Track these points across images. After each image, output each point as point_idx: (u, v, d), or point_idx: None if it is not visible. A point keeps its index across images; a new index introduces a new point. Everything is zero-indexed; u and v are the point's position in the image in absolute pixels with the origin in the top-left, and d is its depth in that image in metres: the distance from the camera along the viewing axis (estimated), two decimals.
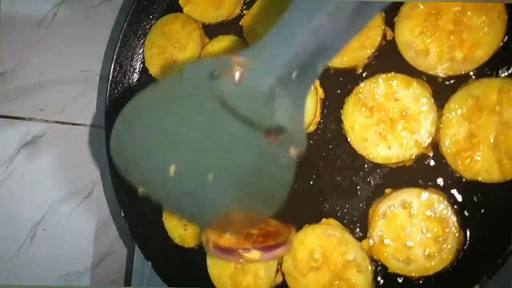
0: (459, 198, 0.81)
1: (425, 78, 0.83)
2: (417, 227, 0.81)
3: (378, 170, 0.86)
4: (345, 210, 0.88)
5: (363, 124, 0.85)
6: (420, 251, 0.80)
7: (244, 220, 0.69)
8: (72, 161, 1.21)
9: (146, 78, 1.11)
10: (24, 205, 1.13)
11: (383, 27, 0.86)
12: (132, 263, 1.12)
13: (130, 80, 1.12)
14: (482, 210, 0.79)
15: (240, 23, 1.00)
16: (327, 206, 0.89)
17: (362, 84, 0.86)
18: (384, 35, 0.86)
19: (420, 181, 0.83)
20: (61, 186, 1.19)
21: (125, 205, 1.05)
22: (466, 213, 0.80)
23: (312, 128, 0.91)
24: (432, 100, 0.82)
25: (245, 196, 0.67)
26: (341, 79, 0.89)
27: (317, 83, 0.90)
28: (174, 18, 1.07)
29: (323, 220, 0.88)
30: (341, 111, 0.88)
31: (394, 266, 0.82)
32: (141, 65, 1.12)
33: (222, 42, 1.01)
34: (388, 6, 0.59)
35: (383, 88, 0.84)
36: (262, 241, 0.77)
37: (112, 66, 1.09)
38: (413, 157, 0.83)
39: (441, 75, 0.82)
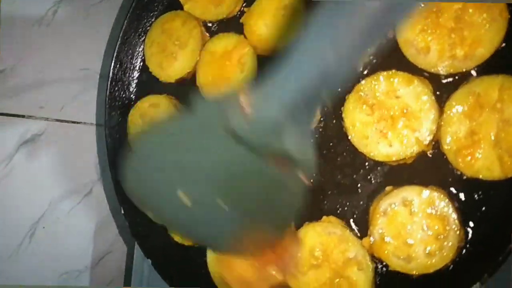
0: (460, 195, 0.81)
1: (426, 76, 0.83)
2: (418, 224, 0.81)
3: (378, 168, 0.86)
4: (345, 208, 0.88)
5: (364, 121, 0.85)
6: (421, 248, 0.80)
7: (256, 243, 0.71)
8: (72, 159, 1.21)
9: (146, 76, 1.11)
10: (24, 203, 1.13)
11: None
12: (132, 261, 1.12)
13: (130, 78, 1.12)
14: (483, 208, 0.79)
15: (241, 20, 1.00)
16: (328, 203, 0.89)
17: (363, 82, 0.86)
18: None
19: (421, 178, 0.83)
20: (60, 184, 1.18)
21: (125, 203, 1.05)
22: (467, 211, 0.80)
23: (313, 126, 0.90)
24: (433, 97, 0.82)
25: (257, 220, 0.69)
26: None
27: None
28: (175, 16, 1.07)
29: (324, 217, 0.88)
30: (342, 108, 0.88)
31: (395, 264, 0.82)
32: (142, 63, 1.13)
33: (223, 40, 1.01)
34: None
35: (384, 86, 0.84)
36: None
37: (112, 64, 1.09)
38: (414, 154, 0.83)
39: (442, 72, 0.82)
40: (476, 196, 0.80)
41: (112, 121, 1.09)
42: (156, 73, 1.08)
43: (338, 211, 0.88)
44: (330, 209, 0.89)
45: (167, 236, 1.01)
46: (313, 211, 0.89)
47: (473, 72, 0.81)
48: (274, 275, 0.79)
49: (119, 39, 1.08)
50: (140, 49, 1.12)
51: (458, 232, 0.79)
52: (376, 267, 0.84)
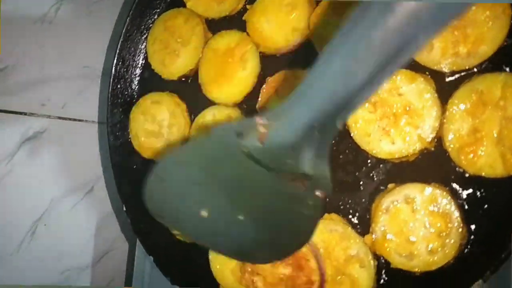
0: (462, 193, 0.81)
1: (428, 73, 0.83)
2: (420, 222, 0.80)
3: (381, 165, 0.86)
4: (347, 205, 0.88)
5: (366, 119, 0.85)
6: (423, 246, 0.80)
7: (275, 254, 0.74)
8: (74, 156, 1.21)
9: (149, 73, 1.11)
10: (25, 201, 1.13)
11: None
12: (134, 259, 1.12)
13: (132, 75, 1.12)
14: (486, 206, 0.79)
15: (243, 18, 1.00)
16: (330, 201, 0.89)
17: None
18: None
19: (423, 176, 0.82)
20: (62, 182, 1.19)
21: (127, 200, 1.05)
22: (469, 208, 0.80)
23: None
24: (436, 95, 0.81)
25: (277, 233, 0.71)
26: None
27: None
28: (177, 13, 1.07)
29: (326, 215, 0.88)
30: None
31: (397, 261, 0.82)
32: (144, 60, 1.13)
33: (225, 37, 1.01)
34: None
35: (386, 83, 0.84)
36: None
37: (115, 61, 1.09)
38: (417, 152, 0.83)
39: (445, 70, 0.82)
40: (478, 193, 0.80)
41: (114, 119, 1.09)
42: (158, 70, 1.08)
43: (340, 209, 0.88)
44: (332, 206, 0.89)
45: (169, 233, 1.01)
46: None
47: (476, 70, 0.80)
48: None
49: (122, 36, 1.08)
50: (143, 47, 1.12)
51: (460, 230, 0.79)
52: (378, 265, 0.84)
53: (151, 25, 1.11)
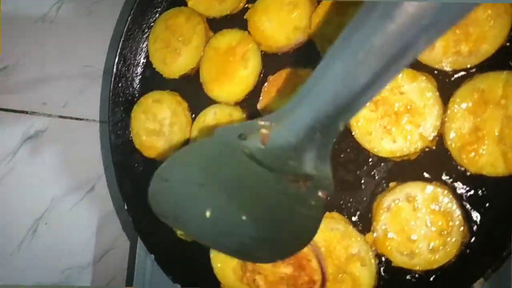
0: (463, 192, 0.81)
1: (430, 72, 0.83)
2: (422, 220, 0.81)
3: (382, 164, 0.86)
4: (349, 204, 0.88)
5: (367, 117, 0.85)
6: (424, 244, 0.80)
7: (277, 254, 0.74)
8: (75, 155, 1.21)
9: (150, 72, 1.11)
10: (26, 199, 1.13)
11: None
12: (135, 257, 1.12)
13: (133, 74, 1.12)
14: (487, 204, 0.79)
15: (245, 16, 1.00)
16: (331, 199, 0.89)
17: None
18: None
19: (425, 174, 0.83)
20: (63, 181, 1.19)
21: (129, 198, 1.05)
22: (470, 207, 0.80)
23: None
24: (437, 93, 0.82)
25: (279, 232, 0.72)
26: None
27: None
28: (179, 12, 1.07)
29: (327, 213, 0.88)
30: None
31: (398, 259, 0.82)
32: (145, 59, 1.13)
33: (227, 36, 1.01)
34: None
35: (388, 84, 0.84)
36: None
37: (116, 60, 1.09)
38: (418, 150, 0.83)
39: (447, 68, 0.82)
40: (479, 192, 0.80)
41: (116, 117, 1.09)
42: (159, 69, 1.08)
43: (341, 207, 0.88)
44: (333, 205, 0.89)
45: (171, 232, 1.01)
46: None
47: (478, 68, 0.80)
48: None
49: (123, 35, 1.08)
50: (144, 45, 1.12)
51: (461, 228, 0.79)
52: (379, 263, 0.84)
53: (152, 24, 1.11)
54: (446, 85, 0.82)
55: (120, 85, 1.10)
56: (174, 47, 1.06)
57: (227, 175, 0.72)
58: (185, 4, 1.07)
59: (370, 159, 0.87)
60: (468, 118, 0.79)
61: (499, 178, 0.78)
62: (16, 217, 1.12)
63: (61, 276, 1.16)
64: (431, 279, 0.81)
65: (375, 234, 0.83)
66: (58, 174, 1.18)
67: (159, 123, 1.06)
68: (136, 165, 1.09)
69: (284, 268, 0.87)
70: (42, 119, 1.15)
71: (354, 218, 0.87)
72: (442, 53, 0.81)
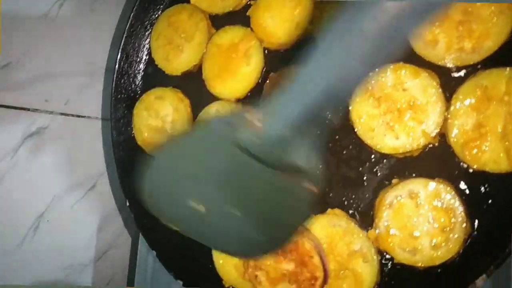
0: (466, 188, 0.81)
1: (433, 68, 0.83)
2: (424, 217, 0.80)
3: (385, 161, 0.86)
4: (351, 201, 0.88)
5: (370, 114, 0.85)
6: (427, 241, 0.80)
7: (268, 248, 0.75)
8: (76, 153, 1.21)
9: (152, 69, 1.11)
10: (28, 197, 1.13)
11: None
12: (136, 254, 1.12)
13: (136, 71, 1.12)
14: (490, 201, 0.79)
15: (247, 13, 1.00)
16: (333, 196, 0.89)
17: (370, 74, 0.85)
18: None
19: (427, 171, 0.83)
20: (65, 178, 1.19)
21: (131, 195, 1.05)
22: (473, 204, 0.80)
23: None
24: (440, 90, 0.81)
25: (268, 227, 0.71)
26: None
27: None
28: (181, 9, 1.07)
29: (329, 210, 0.88)
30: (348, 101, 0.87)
31: (400, 256, 0.82)
32: (147, 56, 1.13)
33: (229, 33, 1.01)
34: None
35: (391, 78, 0.84)
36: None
37: (119, 56, 1.09)
38: (421, 147, 0.83)
39: (450, 65, 0.82)
40: (482, 188, 0.80)
41: (118, 114, 1.09)
42: (162, 65, 1.08)
43: (344, 204, 0.88)
44: (335, 201, 0.89)
45: (173, 228, 1.01)
46: (318, 204, 0.89)
47: (481, 65, 0.80)
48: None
49: (125, 32, 1.08)
50: (146, 42, 1.12)
51: (464, 225, 0.79)
52: (381, 260, 0.84)
53: (155, 20, 1.11)
54: (449, 82, 0.82)
55: (122, 81, 1.10)
56: (176, 43, 1.06)
57: (219, 168, 0.71)
58: (188, 1, 1.07)
59: (373, 156, 0.87)
60: (471, 115, 0.79)
61: (502, 175, 0.78)
62: (18, 215, 1.12)
63: (62, 273, 1.16)
64: (434, 275, 0.81)
65: (377, 231, 0.83)
66: (59, 172, 1.18)
67: (161, 120, 1.06)
68: (138, 161, 1.09)
69: (286, 265, 0.87)
70: (43, 116, 1.15)
71: (356, 215, 0.87)
72: (445, 50, 0.81)
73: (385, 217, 0.83)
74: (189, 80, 1.06)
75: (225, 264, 0.94)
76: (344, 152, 0.89)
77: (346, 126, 0.88)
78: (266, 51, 0.97)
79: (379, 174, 0.86)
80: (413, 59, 0.83)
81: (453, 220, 0.79)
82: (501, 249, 0.74)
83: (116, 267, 1.24)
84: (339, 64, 0.59)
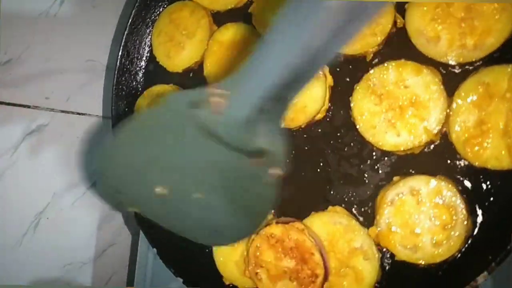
0: (468, 185, 0.81)
1: (435, 65, 0.83)
2: (425, 214, 0.80)
3: (386, 158, 0.86)
4: (352, 198, 0.88)
5: (372, 111, 0.85)
6: (428, 238, 0.80)
7: (233, 235, 0.75)
8: (77, 150, 1.21)
9: (153, 66, 1.11)
10: (28, 194, 1.13)
11: (393, 14, 0.85)
12: (136, 252, 1.11)
13: (137, 68, 1.11)
14: (491, 198, 0.79)
15: (249, 10, 1.00)
16: (334, 193, 0.89)
17: (372, 71, 0.86)
18: (395, 22, 0.86)
19: (429, 168, 0.82)
20: (65, 176, 1.18)
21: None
22: (474, 201, 0.80)
23: (320, 116, 0.90)
24: (442, 87, 0.81)
25: (233, 213, 0.70)
26: (350, 66, 0.89)
27: (327, 70, 0.90)
28: (183, 6, 1.07)
29: (330, 207, 0.88)
30: (350, 98, 0.87)
31: (401, 253, 0.82)
32: (149, 53, 1.12)
33: (231, 30, 1.00)
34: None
35: (393, 75, 0.84)
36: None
37: (120, 53, 1.08)
38: (422, 144, 0.83)
39: (452, 62, 0.82)
40: (484, 186, 0.80)
41: (119, 111, 1.08)
42: (163, 62, 1.08)
43: (345, 201, 0.88)
44: (336, 199, 0.89)
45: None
46: (319, 201, 0.89)
47: (483, 62, 0.80)
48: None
49: (127, 29, 1.08)
50: (148, 39, 1.12)
51: (465, 222, 0.78)
52: (382, 257, 0.84)
53: (156, 17, 1.10)
54: (451, 79, 0.82)
55: (123, 79, 1.09)
56: (178, 40, 1.06)
57: (180, 150, 0.70)
58: None
59: (374, 153, 0.87)
60: (473, 112, 0.79)
61: (504, 172, 0.77)
62: (18, 212, 1.12)
63: (62, 270, 1.16)
64: (435, 273, 0.81)
65: (378, 228, 0.83)
66: (60, 169, 1.18)
67: None
68: None
69: (287, 262, 0.87)
70: (44, 113, 1.15)
71: (357, 212, 0.87)
72: (447, 47, 0.81)
73: (386, 215, 0.83)
74: (191, 77, 1.06)
75: (226, 261, 0.94)
76: (346, 149, 0.89)
77: (347, 123, 0.88)
78: None
79: (380, 171, 0.86)
80: (415, 56, 0.83)
81: (454, 217, 0.79)
82: (502, 246, 0.74)
83: (116, 265, 1.24)
84: (299, 40, 0.57)
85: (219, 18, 1.04)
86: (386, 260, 0.84)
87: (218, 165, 0.67)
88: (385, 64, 0.85)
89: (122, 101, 1.10)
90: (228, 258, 0.93)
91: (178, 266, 0.97)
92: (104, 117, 1.22)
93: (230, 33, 1.00)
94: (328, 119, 0.91)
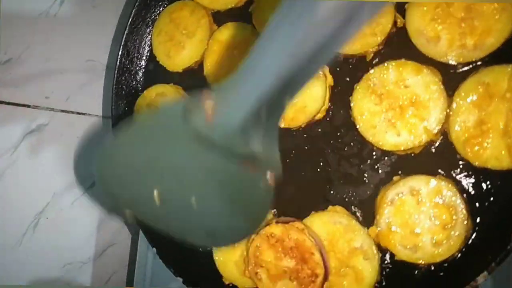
0: (467, 185, 0.81)
1: (435, 65, 0.83)
2: (425, 214, 0.80)
3: (386, 158, 0.86)
4: (352, 198, 0.88)
5: (372, 111, 0.85)
6: (428, 238, 0.80)
7: (231, 237, 0.74)
8: (76, 150, 1.20)
9: (153, 65, 1.11)
10: (28, 194, 1.13)
11: (394, 13, 0.85)
12: (136, 252, 1.11)
13: (137, 67, 1.11)
14: (491, 198, 0.79)
15: (249, 9, 1.00)
16: (334, 193, 0.89)
17: (372, 71, 0.86)
18: (395, 22, 0.86)
19: (429, 168, 0.82)
20: (65, 176, 1.18)
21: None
22: (474, 201, 0.80)
23: (320, 115, 0.90)
24: (442, 87, 0.81)
25: (230, 215, 0.69)
26: (350, 66, 0.89)
27: (327, 70, 0.90)
28: (183, 5, 1.07)
29: (330, 207, 0.88)
30: (350, 98, 0.87)
31: (401, 253, 0.82)
32: (149, 52, 1.12)
33: (231, 29, 1.00)
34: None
35: (393, 75, 0.84)
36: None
37: (120, 53, 1.08)
38: (422, 144, 0.83)
39: (452, 62, 0.82)
40: (484, 186, 0.80)
41: (119, 110, 1.08)
42: (163, 62, 1.08)
43: (345, 201, 0.88)
44: (336, 198, 0.89)
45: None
46: (319, 201, 0.89)
47: (483, 62, 0.80)
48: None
49: (127, 28, 1.08)
50: (148, 39, 1.12)
51: (465, 222, 0.78)
52: (382, 257, 0.84)
53: (156, 17, 1.10)
54: (451, 79, 0.82)
55: (123, 78, 1.09)
56: (178, 40, 1.06)
57: (173, 157, 0.69)
58: None
59: (374, 153, 0.87)
60: (473, 112, 0.79)
61: (504, 172, 0.77)
62: (17, 212, 1.12)
63: (62, 270, 1.16)
64: (434, 273, 0.81)
65: (378, 228, 0.83)
66: (59, 169, 1.18)
67: None
68: None
69: (287, 262, 0.87)
70: (44, 113, 1.14)
71: (357, 212, 0.87)
72: (447, 46, 0.81)
73: (386, 214, 0.83)
74: (191, 77, 1.06)
75: (226, 261, 0.94)
76: (346, 149, 0.89)
77: (347, 123, 0.88)
78: None
79: (380, 171, 0.86)
80: (415, 55, 0.83)
81: (454, 217, 0.79)
82: (502, 246, 0.74)
83: (116, 265, 1.24)
84: (293, 39, 0.56)
85: (219, 18, 1.03)
86: (386, 260, 0.84)
87: (213, 169, 0.67)
88: (385, 64, 0.85)
89: (122, 101, 1.10)
90: (228, 258, 0.93)
91: (178, 266, 0.97)
92: (104, 117, 1.22)
93: (230, 32, 1.00)
94: (328, 119, 0.91)
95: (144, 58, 1.12)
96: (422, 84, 0.82)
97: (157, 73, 1.10)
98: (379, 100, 0.84)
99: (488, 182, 0.79)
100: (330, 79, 0.89)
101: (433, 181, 0.80)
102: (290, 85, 0.61)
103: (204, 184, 0.68)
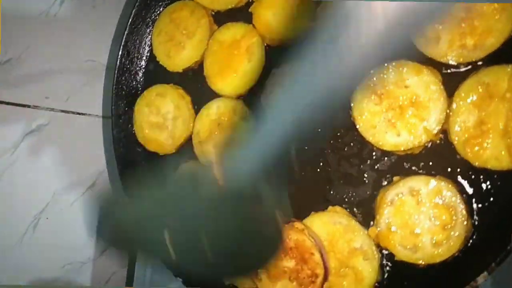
0: (467, 186, 0.80)
1: (435, 65, 0.83)
2: (425, 214, 0.80)
3: (386, 158, 0.86)
4: (352, 198, 0.88)
5: (372, 111, 0.85)
6: (428, 238, 0.80)
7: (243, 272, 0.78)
8: (76, 150, 1.21)
9: (153, 65, 1.11)
10: (28, 194, 1.13)
11: None
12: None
13: (137, 67, 1.12)
14: (491, 198, 0.79)
15: (250, 10, 1.00)
16: (334, 193, 0.89)
17: (372, 71, 0.85)
18: None
19: (429, 168, 0.83)
20: (64, 175, 1.18)
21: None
22: (474, 201, 0.80)
23: None
24: (442, 87, 0.81)
25: (243, 253, 0.72)
26: None
27: None
28: (183, 5, 1.07)
29: (330, 207, 0.88)
30: (349, 98, 0.87)
31: (401, 253, 0.82)
32: (149, 53, 1.12)
33: (231, 29, 1.00)
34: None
35: (393, 75, 0.84)
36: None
37: (120, 53, 1.09)
38: (422, 144, 0.82)
39: (452, 62, 0.82)
40: (484, 186, 0.79)
41: (118, 110, 1.09)
42: (163, 62, 1.08)
43: (345, 201, 0.88)
44: (336, 199, 0.89)
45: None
46: (319, 201, 0.89)
47: (483, 62, 0.80)
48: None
49: (127, 28, 1.08)
50: (148, 39, 1.12)
51: (465, 222, 0.78)
52: (382, 257, 0.83)
53: (156, 17, 1.11)
54: (451, 79, 0.82)
55: (123, 78, 1.10)
56: (178, 40, 1.06)
57: (182, 209, 0.72)
58: None
59: (374, 153, 0.87)
60: (473, 112, 0.79)
61: (504, 172, 0.78)
62: (17, 212, 1.11)
63: (61, 270, 1.16)
64: (434, 273, 0.80)
65: (378, 228, 0.83)
66: (59, 169, 1.18)
67: (162, 117, 1.06)
68: (138, 158, 1.09)
69: (287, 262, 0.87)
70: (44, 113, 1.14)
71: (357, 212, 0.87)
72: (447, 47, 0.81)
73: (386, 215, 0.83)
74: (191, 77, 1.06)
75: None
76: (345, 149, 0.89)
77: (347, 123, 0.88)
78: (267, 48, 0.97)
79: (380, 171, 0.86)
80: (415, 56, 0.83)
81: (454, 217, 0.79)
82: (502, 246, 0.74)
83: (115, 265, 1.24)
84: (295, 109, 0.60)
85: (219, 18, 1.04)
86: (386, 260, 0.84)
87: (222, 215, 0.70)
88: (385, 64, 0.84)
89: (122, 101, 1.10)
90: None
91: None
92: (104, 117, 1.22)
93: (230, 32, 1.00)
94: (328, 119, 0.90)
95: (144, 58, 1.12)
96: (422, 84, 0.82)
97: (157, 73, 1.10)
98: (379, 100, 0.84)
99: (488, 182, 0.79)
100: None
101: (433, 182, 0.80)
102: (298, 139, 0.64)
103: (216, 227, 0.70)
